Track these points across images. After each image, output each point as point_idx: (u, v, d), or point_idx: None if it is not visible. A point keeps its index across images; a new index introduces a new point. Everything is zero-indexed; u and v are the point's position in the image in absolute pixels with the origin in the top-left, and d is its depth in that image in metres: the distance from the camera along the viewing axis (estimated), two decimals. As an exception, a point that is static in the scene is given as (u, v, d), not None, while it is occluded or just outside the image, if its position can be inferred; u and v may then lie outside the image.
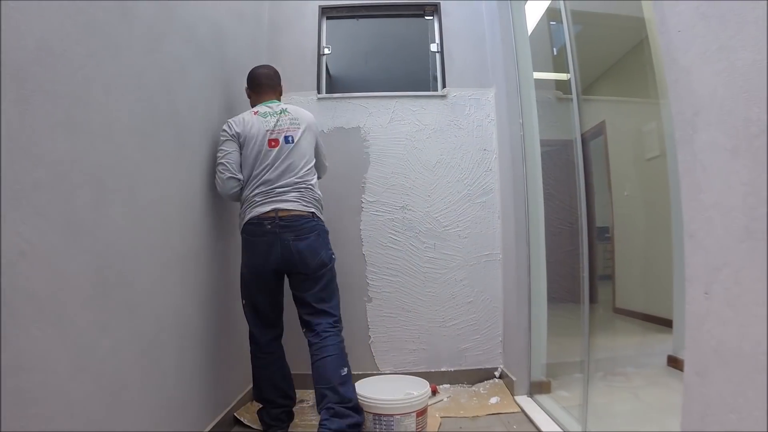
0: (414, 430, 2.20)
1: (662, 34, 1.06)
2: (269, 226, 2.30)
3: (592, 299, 2.35)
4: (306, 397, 2.95)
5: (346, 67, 5.12)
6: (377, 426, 2.19)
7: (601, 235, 3.11)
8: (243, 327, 2.77)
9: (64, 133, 1.25)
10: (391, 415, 2.17)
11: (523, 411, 2.61)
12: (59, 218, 1.22)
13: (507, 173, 3.06)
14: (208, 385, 2.24)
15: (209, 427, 2.21)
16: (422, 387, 2.30)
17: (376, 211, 3.27)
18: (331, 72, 4.12)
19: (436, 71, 3.59)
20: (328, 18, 3.65)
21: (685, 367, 0.99)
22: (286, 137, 2.41)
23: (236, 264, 2.69)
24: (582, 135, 2.36)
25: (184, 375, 1.98)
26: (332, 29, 3.69)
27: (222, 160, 2.34)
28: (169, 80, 1.93)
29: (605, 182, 3.05)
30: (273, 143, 2.38)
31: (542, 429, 2.31)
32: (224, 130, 2.39)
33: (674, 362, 2.51)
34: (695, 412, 0.95)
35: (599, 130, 3.10)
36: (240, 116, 2.44)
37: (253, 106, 2.55)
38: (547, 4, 3.01)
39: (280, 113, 2.46)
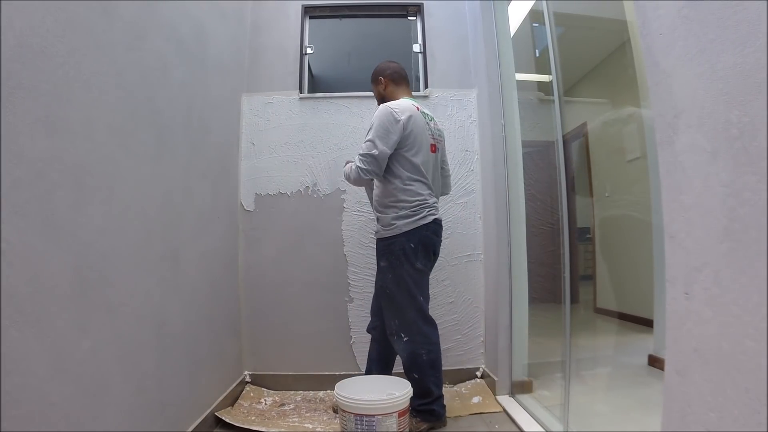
0: (396, 430, 2.20)
1: (644, 36, 1.07)
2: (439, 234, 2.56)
3: (573, 299, 2.37)
4: (287, 400, 2.93)
5: (329, 67, 5.11)
6: (359, 426, 2.18)
7: (582, 236, 3.14)
8: (225, 326, 2.75)
9: (44, 131, 1.22)
10: (373, 416, 2.16)
11: (505, 411, 2.62)
12: (39, 217, 1.20)
13: (488, 174, 3.07)
14: (190, 385, 2.21)
15: (191, 428, 2.18)
16: (404, 387, 2.29)
17: (357, 211, 3.25)
18: (313, 72, 4.10)
19: (418, 72, 3.59)
20: (311, 17, 3.63)
21: (666, 367, 1.00)
22: (437, 147, 2.57)
23: (218, 264, 2.67)
24: (563, 136, 2.38)
25: (165, 375, 1.95)
26: (315, 29, 3.67)
27: (381, 147, 2.37)
28: (151, 79, 1.90)
29: (586, 183, 3.08)
30: (433, 149, 2.53)
31: (524, 428, 2.32)
32: (396, 118, 2.41)
33: (655, 362, 2.55)
34: (676, 411, 0.96)
35: (581, 132, 3.13)
36: (401, 104, 2.48)
37: (392, 99, 2.62)
38: (530, 5, 3.03)
39: (430, 119, 2.60)
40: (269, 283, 3.21)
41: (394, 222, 2.43)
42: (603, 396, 2.63)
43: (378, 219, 2.56)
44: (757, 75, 0.75)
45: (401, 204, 2.43)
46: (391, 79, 2.69)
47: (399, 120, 2.39)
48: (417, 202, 2.44)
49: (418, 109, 2.50)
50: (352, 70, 5.17)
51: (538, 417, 2.40)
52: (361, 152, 2.42)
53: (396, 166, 2.43)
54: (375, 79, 2.76)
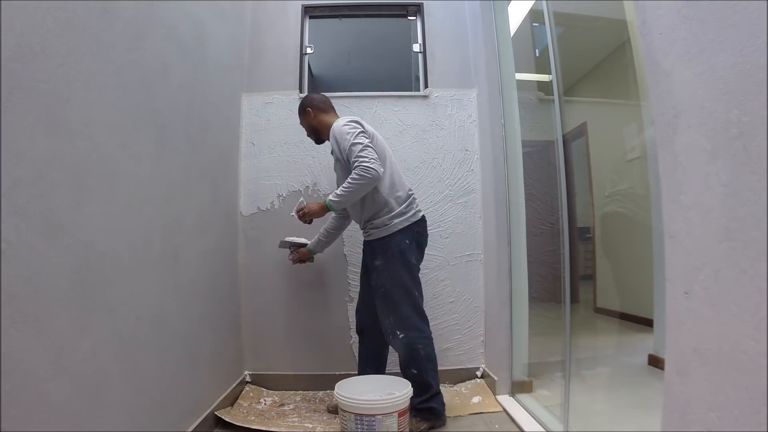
0: (396, 430, 2.20)
1: (644, 36, 1.07)
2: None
3: (573, 299, 2.37)
4: (287, 400, 2.93)
5: (329, 67, 5.10)
6: (359, 426, 2.18)
7: (582, 236, 3.14)
8: (225, 326, 2.75)
9: (44, 131, 1.22)
10: (373, 416, 2.16)
11: (505, 410, 2.62)
12: (38, 217, 1.20)
13: (488, 174, 3.07)
14: (190, 385, 2.21)
15: (191, 428, 2.18)
16: (404, 387, 2.29)
17: (359, 211, 3.25)
18: (313, 71, 4.10)
19: (418, 71, 3.59)
20: (311, 17, 3.62)
21: (666, 367, 1.00)
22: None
23: (218, 264, 2.67)
24: (563, 136, 2.38)
25: (165, 375, 1.95)
26: (315, 28, 3.67)
27: (369, 146, 2.43)
28: (150, 79, 1.89)
29: (586, 183, 3.07)
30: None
31: (524, 428, 2.32)
32: (358, 123, 2.52)
33: (655, 361, 2.55)
34: (676, 411, 0.96)
35: (581, 131, 3.13)
36: (342, 119, 2.59)
37: (323, 125, 2.73)
38: (530, 5, 3.03)
39: None
40: (269, 283, 3.21)
41: (389, 222, 2.50)
42: (603, 396, 2.63)
43: (368, 225, 2.59)
44: (757, 75, 0.75)
45: (392, 202, 2.52)
46: (319, 108, 2.74)
47: (360, 122, 2.53)
48: (405, 196, 2.55)
49: None
50: (352, 70, 5.17)
51: (538, 417, 2.40)
52: (357, 152, 2.39)
53: None
54: (303, 111, 2.77)
